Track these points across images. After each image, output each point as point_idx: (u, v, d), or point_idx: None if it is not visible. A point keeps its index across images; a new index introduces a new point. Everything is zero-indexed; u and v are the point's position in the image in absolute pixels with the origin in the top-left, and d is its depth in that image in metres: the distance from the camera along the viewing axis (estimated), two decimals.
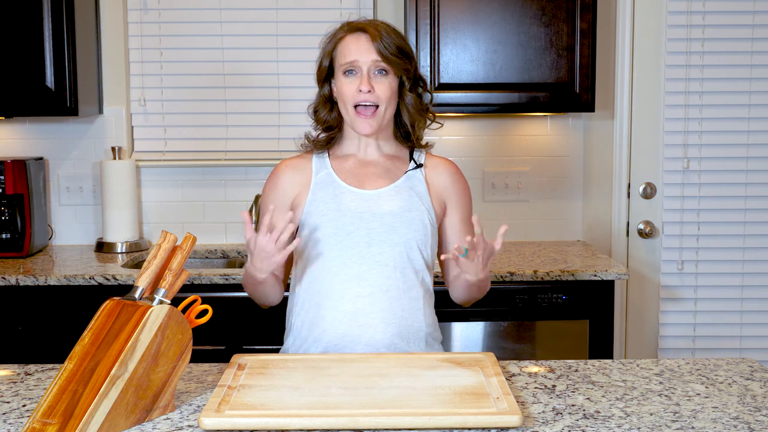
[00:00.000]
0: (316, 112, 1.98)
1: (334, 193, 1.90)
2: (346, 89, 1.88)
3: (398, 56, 1.87)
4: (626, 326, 3.31)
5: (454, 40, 2.93)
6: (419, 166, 1.96)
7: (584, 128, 3.31)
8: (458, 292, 1.98)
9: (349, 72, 1.88)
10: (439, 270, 2.04)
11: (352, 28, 1.90)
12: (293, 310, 1.95)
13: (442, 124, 2.03)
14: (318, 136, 1.98)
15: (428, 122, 1.98)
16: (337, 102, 1.94)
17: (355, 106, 1.87)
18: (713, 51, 3.19)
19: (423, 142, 1.99)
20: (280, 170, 1.97)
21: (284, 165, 1.98)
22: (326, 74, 1.94)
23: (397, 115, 1.96)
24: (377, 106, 1.87)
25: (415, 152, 1.98)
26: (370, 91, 1.85)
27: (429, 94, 1.98)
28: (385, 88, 1.87)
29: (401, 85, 1.91)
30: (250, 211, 3.17)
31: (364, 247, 1.86)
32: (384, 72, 1.87)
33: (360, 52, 1.86)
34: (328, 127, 1.97)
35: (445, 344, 2.07)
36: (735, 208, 3.25)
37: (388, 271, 1.86)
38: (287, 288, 1.99)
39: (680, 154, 3.23)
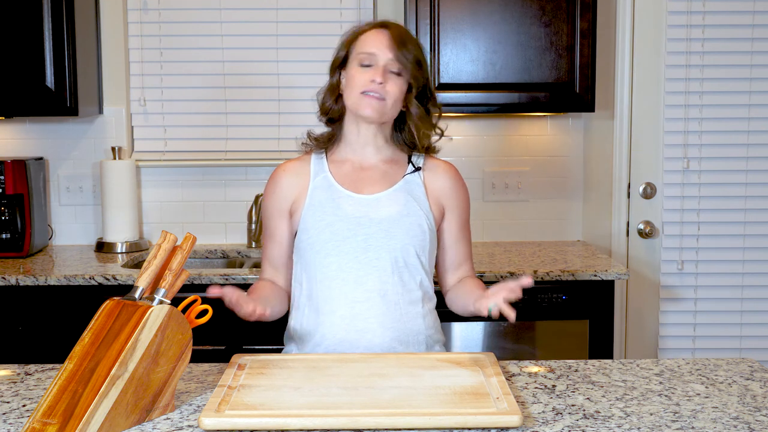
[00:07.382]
0: (323, 99, 1.97)
1: (332, 198, 1.90)
2: (359, 77, 1.87)
3: (414, 63, 1.89)
4: (626, 326, 3.31)
5: (454, 40, 2.93)
6: (417, 169, 1.95)
7: (584, 128, 3.30)
8: (458, 311, 1.97)
9: (365, 64, 1.88)
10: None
11: (377, 24, 1.93)
12: (292, 314, 1.95)
13: (451, 139, 2.03)
14: (321, 133, 1.98)
15: (433, 137, 1.98)
16: (342, 94, 1.94)
17: (363, 93, 1.87)
18: (713, 51, 3.19)
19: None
20: (278, 175, 1.97)
21: (282, 169, 1.97)
22: (340, 64, 1.95)
23: (398, 120, 1.95)
24: (384, 100, 1.87)
25: (413, 155, 1.98)
26: (381, 83, 1.85)
27: (438, 110, 1.98)
28: (395, 87, 1.87)
29: (408, 93, 1.91)
30: (250, 211, 3.17)
31: (361, 252, 1.86)
32: (397, 74, 1.88)
33: (381, 46, 1.88)
34: (330, 119, 1.96)
35: (446, 344, 2.06)
36: (735, 208, 3.25)
37: (386, 276, 1.86)
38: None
39: (680, 154, 3.23)
